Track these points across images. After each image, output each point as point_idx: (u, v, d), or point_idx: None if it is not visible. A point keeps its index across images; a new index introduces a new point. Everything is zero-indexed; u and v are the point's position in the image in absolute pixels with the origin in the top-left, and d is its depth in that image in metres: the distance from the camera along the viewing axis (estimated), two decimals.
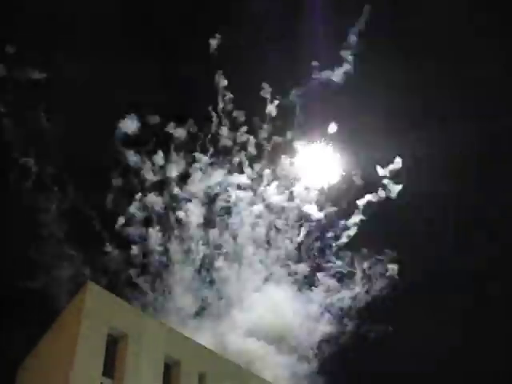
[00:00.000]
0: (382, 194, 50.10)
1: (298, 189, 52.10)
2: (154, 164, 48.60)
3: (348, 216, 52.81)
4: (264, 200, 51.91)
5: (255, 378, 27.56)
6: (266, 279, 48.38)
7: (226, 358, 26.64)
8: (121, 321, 22.31)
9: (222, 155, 52.71)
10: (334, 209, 53.29)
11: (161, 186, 49.95)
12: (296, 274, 51.54)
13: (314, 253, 53.05)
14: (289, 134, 51.02)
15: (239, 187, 50.36)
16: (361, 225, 52.18)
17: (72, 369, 19.30)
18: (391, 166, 48.49)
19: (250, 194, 51.86)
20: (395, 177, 50.53)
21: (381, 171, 49.00)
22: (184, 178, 51.21)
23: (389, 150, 50.38)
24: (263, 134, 50.88)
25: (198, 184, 50.41)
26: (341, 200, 53.52)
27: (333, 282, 51.67)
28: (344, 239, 51.94)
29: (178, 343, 24.28)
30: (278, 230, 52.06)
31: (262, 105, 50.70)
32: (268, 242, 51.55)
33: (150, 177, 48.65)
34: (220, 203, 49.93)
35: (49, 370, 22.33)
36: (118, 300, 23.01)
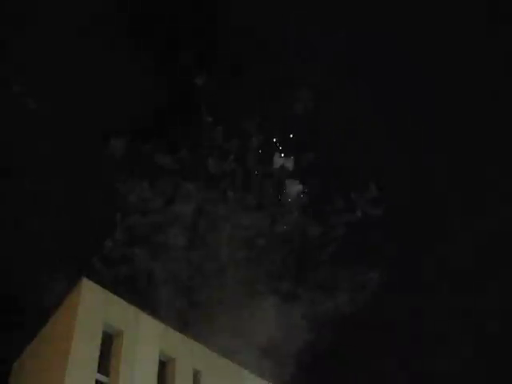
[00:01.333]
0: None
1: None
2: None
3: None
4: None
5: (250, 376, 27.59)
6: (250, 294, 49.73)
7: (222, 356, 26.62)
8: (116, 318, 22.33)
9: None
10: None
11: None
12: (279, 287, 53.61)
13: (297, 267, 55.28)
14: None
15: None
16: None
17: (67, 365, 19.28)
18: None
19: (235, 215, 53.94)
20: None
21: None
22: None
23: None
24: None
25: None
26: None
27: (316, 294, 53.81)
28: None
29: (173, 341, 24.33)
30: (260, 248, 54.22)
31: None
32: (251, 260, 53.35)
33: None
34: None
35: (44, 366, 22.31)
36: (114, 297, 22.99)
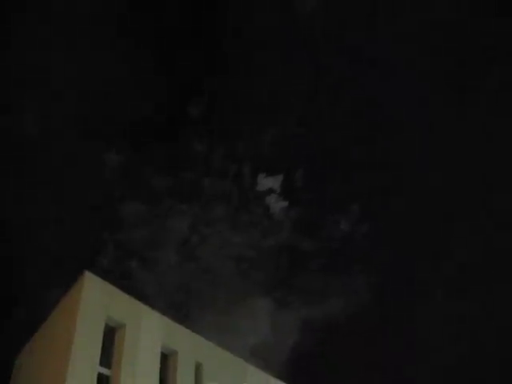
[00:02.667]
0: None
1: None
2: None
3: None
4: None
5: (251, 369, 27.70)
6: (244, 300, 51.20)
7: (223, 350, 26.71)
8: (118, 311, 22.38)
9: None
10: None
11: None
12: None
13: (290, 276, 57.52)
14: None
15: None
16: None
17: (69, 358, 19.35)
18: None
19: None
20: None
21: None
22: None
23: None
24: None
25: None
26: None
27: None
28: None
29: (175, 333, 24.41)
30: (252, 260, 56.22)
31: None
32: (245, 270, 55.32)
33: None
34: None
35: (46, 359, 22.40)
36: (116, 290, 23.03)
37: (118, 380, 20.66)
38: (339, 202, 60.36)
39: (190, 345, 24.79)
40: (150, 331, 23.11)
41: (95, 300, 21.70)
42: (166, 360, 23.67)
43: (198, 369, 24.57)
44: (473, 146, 55.17)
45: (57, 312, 23.84)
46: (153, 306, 24.20)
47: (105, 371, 20.83)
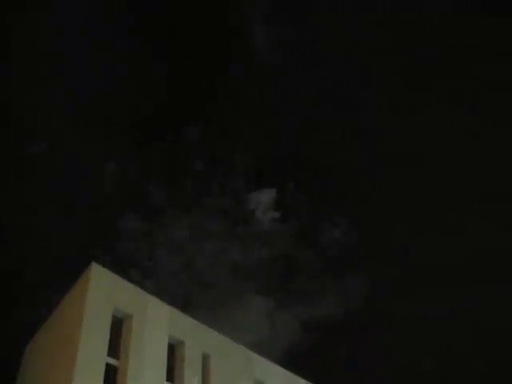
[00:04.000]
0: None
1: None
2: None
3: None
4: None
5: (258, 358, 27.85)
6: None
7: (229, 339, 26.85)
8: (125, 301, 22.52)
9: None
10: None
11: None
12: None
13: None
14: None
15: None
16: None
17: (78, 349, 19.52)
18: None
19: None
20: None
21: None
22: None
23: None
24: None
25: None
26: None
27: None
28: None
29: (181, 324, 24.53)
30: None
31: None
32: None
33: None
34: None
35: (55, 349, 22.63)
36: (123, 281, 23.15)
37: (125, 370, 20.82)
38: (329, 212, 62.91)
39: (196, 335, 24.91)
40: (157, 322, 23.24)
41: (102, 291, 21.83)
42: (173, 350, 23.82)
43: (205, 359, 24.69)
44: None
45: (65, 302, 24.02)
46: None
47: (113, 361, 21.01)
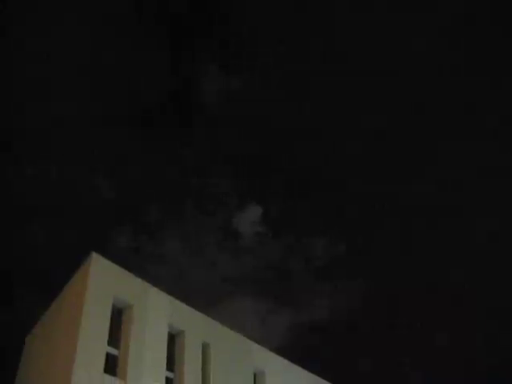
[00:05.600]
0: None
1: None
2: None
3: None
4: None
5: (258, 348, 27.96)
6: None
7: (229, 329, 26.94)
8: (125, 291, 22.58)
9: None
10: None
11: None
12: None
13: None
14: None
15: None
16: None
17: (78, 339, 19.58)
18: None
19: None
20: None
21: None
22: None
23: None
24: None
25: None
26: None
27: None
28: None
29: (181, 314, 24.61)
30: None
31: None
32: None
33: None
34: None
35: (55, 339, 22.73)
36: (123, 271, 23.19)
37: (125, 360, 20.92)
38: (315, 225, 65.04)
39: (196, 325, 25.01)
40: (157, 311, 23.32)
41: (103, 281, 21.87)
42: (174, 340, 23.92)
43: (205, 348, 24.80)
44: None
45: (65, 292, 24.09)
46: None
47: (113, 351, 21.11)
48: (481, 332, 54.19)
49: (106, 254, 22.44)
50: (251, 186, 67.08)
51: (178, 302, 24.88)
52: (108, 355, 20.64)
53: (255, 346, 27.77)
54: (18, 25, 50.52)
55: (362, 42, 57.68)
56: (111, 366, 20.66)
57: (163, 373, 22.18)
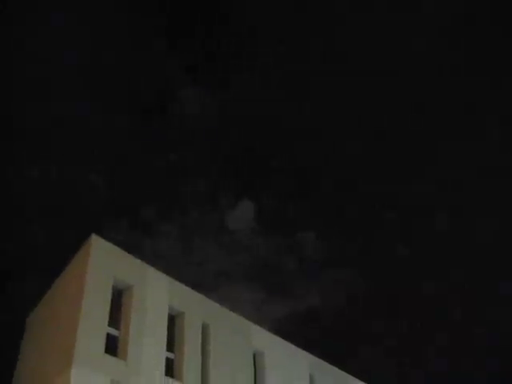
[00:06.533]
0: None
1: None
2: None
3: None
4: None
5: (257, 329, 28.15)
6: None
7: (229, 310, 27.11)
8: (125, 272, 22.66)
9: None
10: None
11: None
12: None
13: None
14: None
15: None
16: None
17: (79, 320, 19.70)
18: None
19: None
20: None
21: None
22: None
23: None
24: None
25: None
26: None
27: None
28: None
29: (181, 295, 24.74)
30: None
31: None
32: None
33: None
34: None
35: (56, 320, 22.87)
36: (123, 252, 23.24)
37: (126, 340, 21.08)
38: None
39: (196, 306, 25.15)
40: (156, 293, 23.43)
41: (103, 262, 21.92)
42: (174, 321, 24.08)
43: (205, 329, 24.98)
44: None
45: (65, 273, 24.19)
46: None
47: (113, 332, 21.26)
48: (481, 332, 54.68)
49: None
50: (251, 186, 67.38)
51: (177, 283, 24.99)
52: (108, 336, 20.77)
53: (254, 327, 27.96)
54: (18, 25, 50.06)
55: (362, 42, 57.47)
56: (112, 346, 20.82)
57: (163, 353, 22.38)
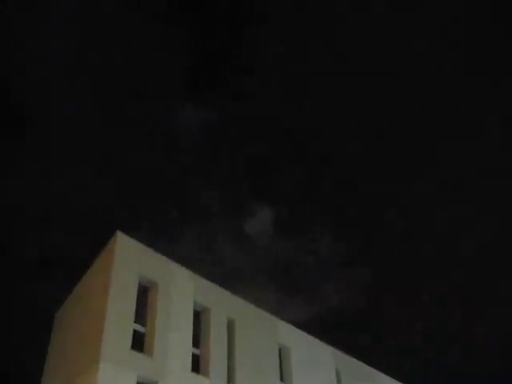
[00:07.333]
0: None
1: None
2: None
3: None
4: None
5: (283, 324, 28.10)
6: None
7: (254, 306, 27.09)
8: (150, 269, 22.80)
9: None
10: None
11: None
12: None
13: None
14: None
15: None
16: None
17: (105, 316, 19.90)
18: None
19: None
20: None
21: None
22: None
23: None
24: None
25: None
26: None
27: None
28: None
29: (206, 291, 24.80)
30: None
31: None
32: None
33: None
34: None
35: (84, 316, 23.14)
36: (147, 249, 23.38)
37: (152, 336, 21.22)
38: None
39: (221, 302, 25.18)
40: (182, 289, 23.53)
41: (128, 259, 22.09)
42: (199, 317, 24.15)
43: (231, 325, 25.01)
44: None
45: (92, 271, 24.43)
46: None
47: (140, 328, 21.42)
48: (480, 331, 54.07)
49: None
50: (251, 186, 67.54)
51: (202, 280, 25.04)
52: (135, 332, 20.95)
53: (280, 322, 27.92)
54: (18, 25, 50.58)
55: (362, 42, 56.79)
56: (138, 342, 20.99)
57: (189, 349, 22.48)
